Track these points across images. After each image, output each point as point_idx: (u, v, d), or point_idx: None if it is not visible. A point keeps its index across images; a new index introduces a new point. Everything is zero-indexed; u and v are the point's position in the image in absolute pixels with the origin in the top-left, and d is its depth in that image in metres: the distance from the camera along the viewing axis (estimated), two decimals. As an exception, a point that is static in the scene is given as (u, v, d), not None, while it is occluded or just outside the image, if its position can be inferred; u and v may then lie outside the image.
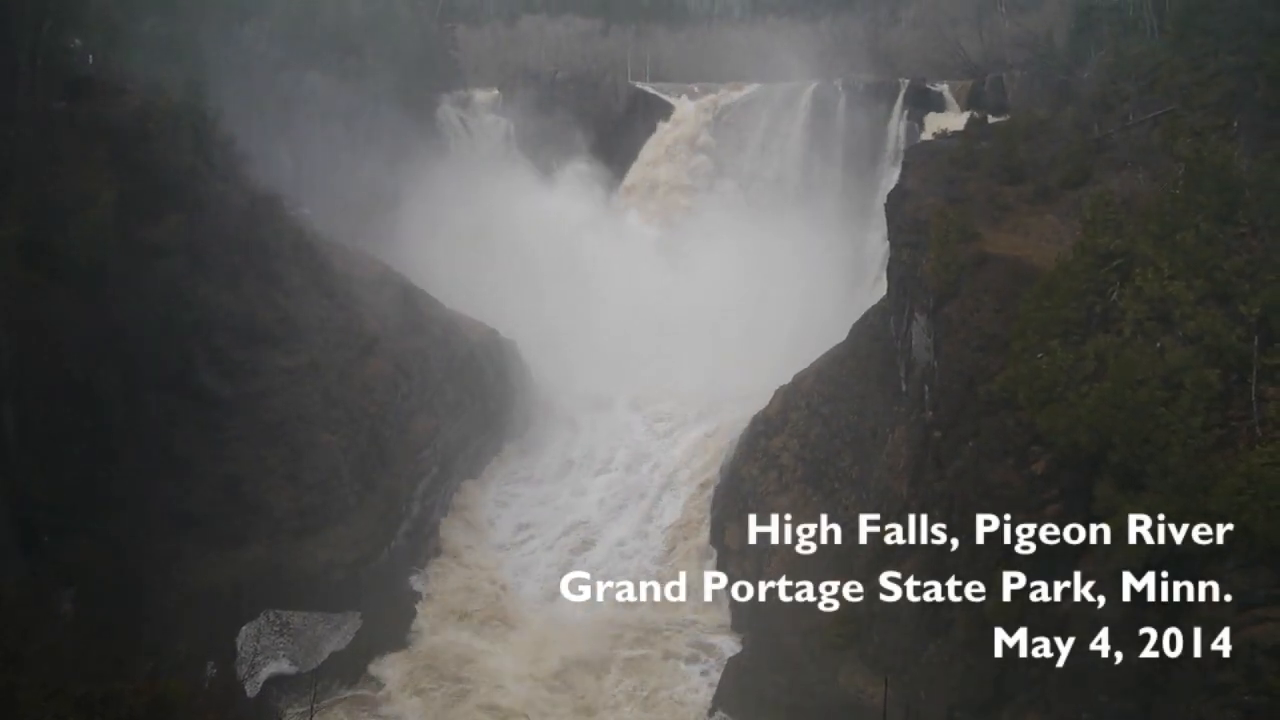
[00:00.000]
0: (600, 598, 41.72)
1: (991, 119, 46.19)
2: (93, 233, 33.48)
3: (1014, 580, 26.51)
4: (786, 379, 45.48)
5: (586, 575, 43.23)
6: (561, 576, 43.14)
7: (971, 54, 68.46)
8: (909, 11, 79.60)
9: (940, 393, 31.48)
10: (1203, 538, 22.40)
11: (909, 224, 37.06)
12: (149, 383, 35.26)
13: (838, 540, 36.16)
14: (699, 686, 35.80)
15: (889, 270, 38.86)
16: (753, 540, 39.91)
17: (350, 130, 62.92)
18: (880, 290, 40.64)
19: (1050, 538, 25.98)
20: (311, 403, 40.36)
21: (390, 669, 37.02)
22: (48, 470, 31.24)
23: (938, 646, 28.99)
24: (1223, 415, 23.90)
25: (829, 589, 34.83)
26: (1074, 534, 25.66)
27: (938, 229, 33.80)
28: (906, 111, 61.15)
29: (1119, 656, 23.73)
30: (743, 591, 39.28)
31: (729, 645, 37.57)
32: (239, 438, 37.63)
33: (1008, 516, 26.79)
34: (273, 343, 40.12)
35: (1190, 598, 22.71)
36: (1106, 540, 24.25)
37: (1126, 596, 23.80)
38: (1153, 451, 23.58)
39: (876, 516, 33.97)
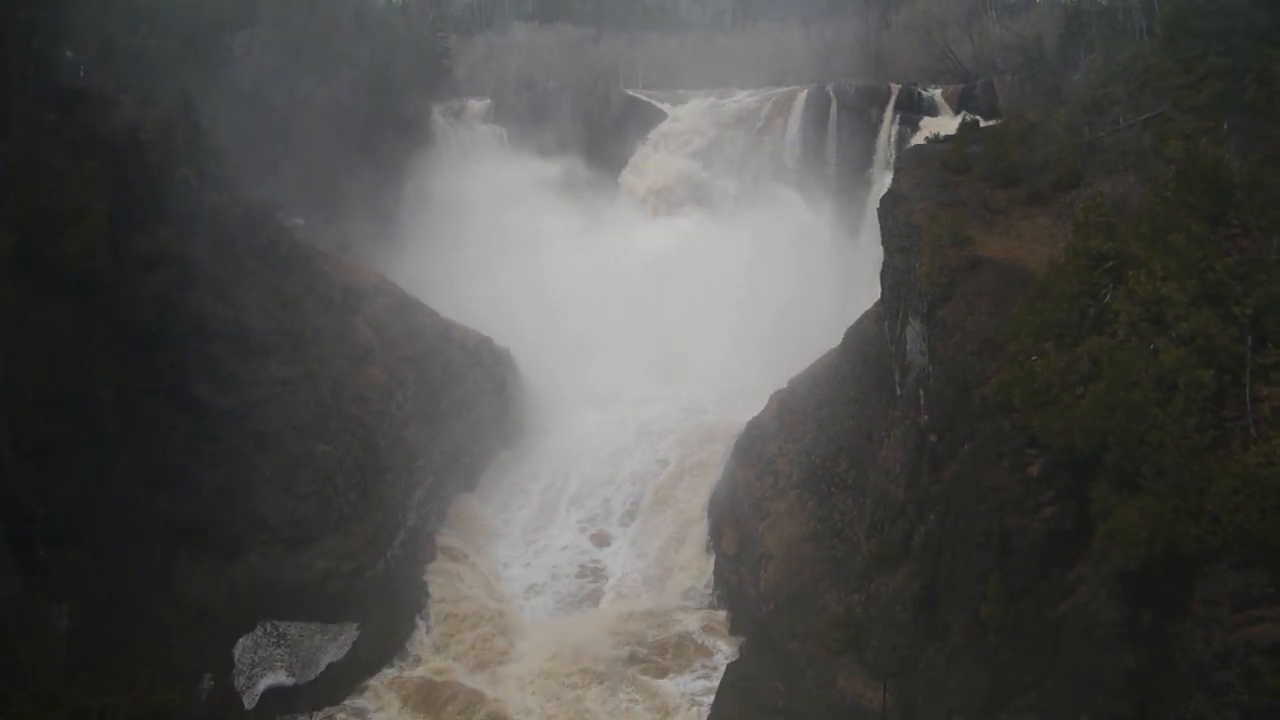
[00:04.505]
0: (598, 604, 41.89)
1: (983, 123, 46.23)
2: (86, 244, 33.47)
3: (1011, 583, 26.66)
4: (781, 384, 45.55)
5: (584, 583, 43.47)
6: (559, 584, 43.42)
7: (962, 58, 68.68)
8: (899, 17, 79.85)
9: (935, 396, 31.51)
10: (1198, 538, 22.44)
11: (902, 228, 37.11)
12: (143, 394, 35.16)
13: (834, 545, 36.35)
14: (697, 692, 35.72)
15: (882, 274, 38.90)
16: (750, 545, 40.01)
17: (343, 140, 63.08)
18: (874, 294, 40.68)
19: (1047, 539, 26.11)
20: (306, 412, 40.29)
21: (388, 679, 36.95)
22: (42, 483, 31.13)
23: (936, 650, 28.98)
24: (1217, 416, 23.90)
25: (826, 593, 34.94)
26: (1070, 536, 25.80)
27: (930, 233, 33.87)
28: (898, 116, 61.34)
29: (1116, 658, 23.78)
30: (740, 597, 39.39)
31: (727, 651, 37.50)
32: (233, 448, 37.51)
33: (1004, 519, 26.97)
34: (267, 353, 40.04)
35: (1187, 598, 22.76)
36: (1102, 541, 24.31)
37: (1123, 598, 23.88)
38: (1148, 452, 23.61)
39: (873, 521, 34.06)
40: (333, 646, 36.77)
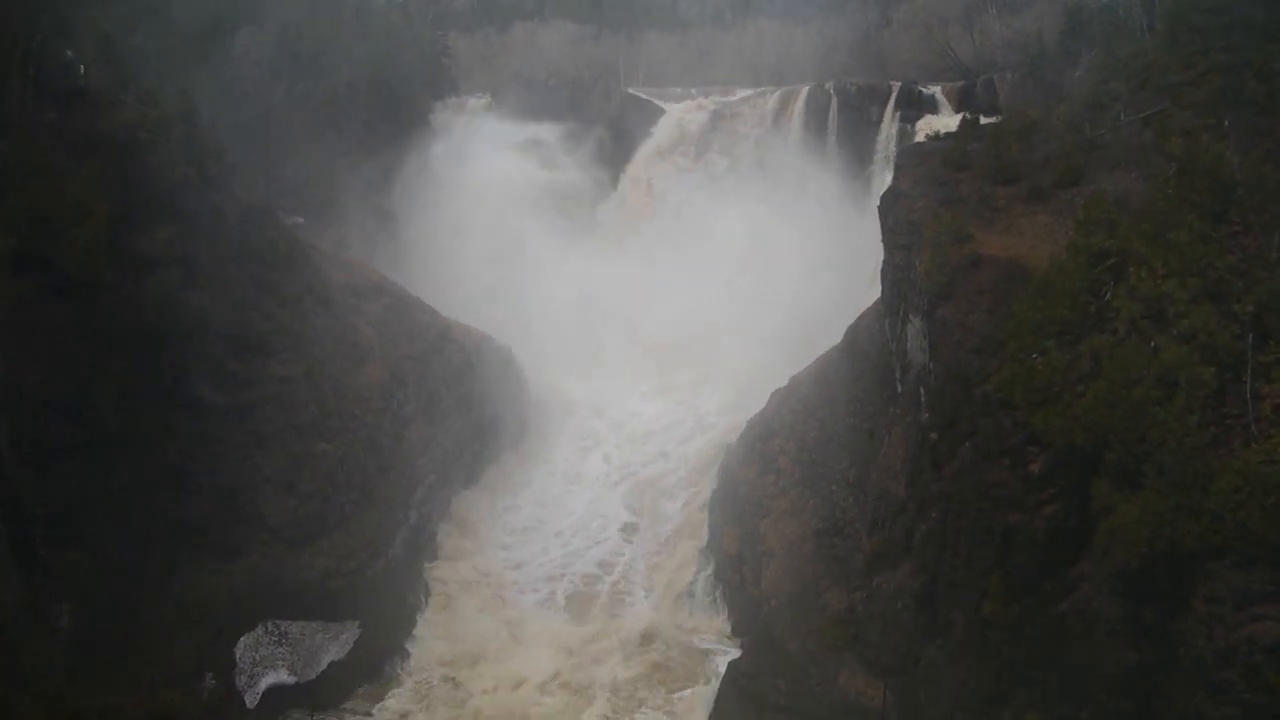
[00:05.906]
0: (599, 604, 41.89)
1: (983, 120, 46.19)
2: (86, 245, 33.42)
3: (1012, 580, 26.63)
4: (782, 382, 45.53)
5: (585, 582, 43.47)
6: (560, 582, 43.43)
7: (962, 56, 68.70)
8: (900, 14, 79.83)
9: (936, 394, 31.48)
10: (1200, 536, 22.42)
11: (902, 226, 37.06)
12: (143, 394, 35.10)
13: (836, 543, 36.34)
14: (699, 692, 35.74)
15: (883, 272, 38.87)
16: (751, 544, 39.98)
17: (343, 138, 63.07)
18: (875, 293, 40.66)
19: (1048, 537, 26.07)
20: (307, 412, 40.28)
21: (390, 678, 36.97)
22: (43, 483, 31.15)
23: (937, 648, 28.97)
24: (1218, 413, 23.87)
25: (828, 591, 34.93)
26: (1072, 533, 25.76)
27: (931, 231, 33.83)
28: (898, 114, 61.40)
29: (1118, 655, 23.77)
30: (741, 596, 39.37)
31: (729, 650, 37.47)
32: (235, 448, 37.49)
33: (1005, 517, 26.94)
34: (267, 352, 40.02)
35: (1188, 596, 22.74)
36: (1104, 539, 24.29)
37: (1125, 595, 23.86)
38: (1149, 450, 23.56)
39: (874, 518, 34.04)
40: (334, 645, 36.79)
